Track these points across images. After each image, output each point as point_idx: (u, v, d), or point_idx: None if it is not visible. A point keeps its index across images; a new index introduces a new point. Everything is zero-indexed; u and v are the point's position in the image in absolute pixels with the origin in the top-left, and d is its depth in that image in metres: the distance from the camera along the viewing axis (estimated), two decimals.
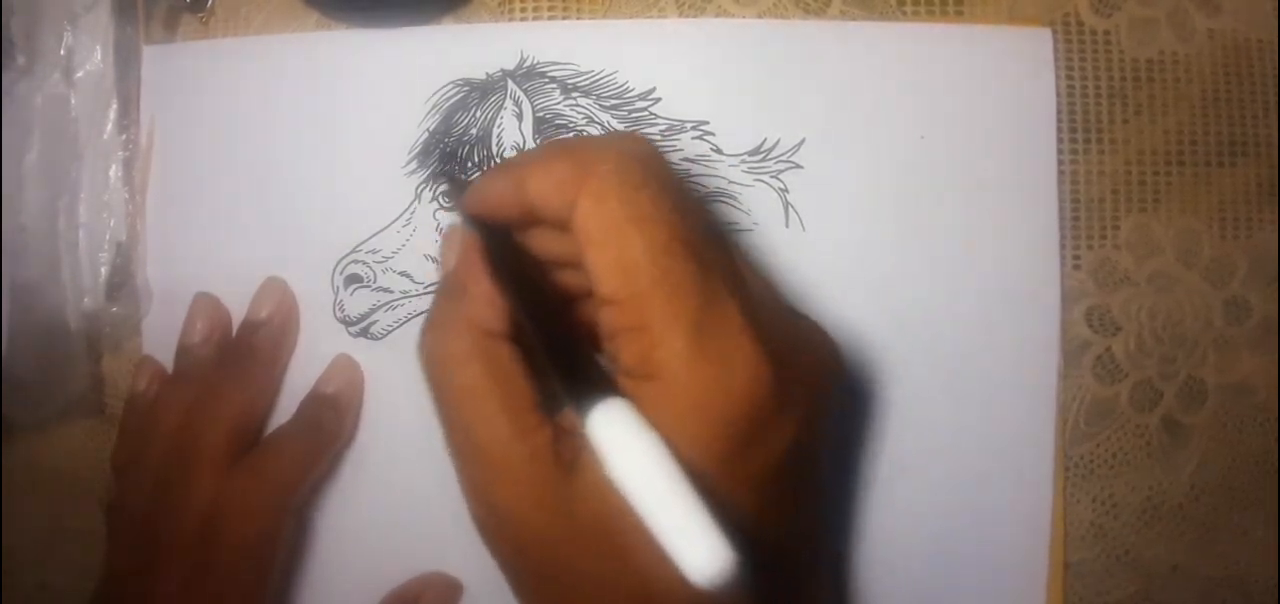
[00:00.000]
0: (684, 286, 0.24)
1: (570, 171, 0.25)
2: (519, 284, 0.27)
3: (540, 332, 0.26)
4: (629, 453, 0.22)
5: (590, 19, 0.38)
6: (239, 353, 0.36)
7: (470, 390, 0.26)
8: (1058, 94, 0.37)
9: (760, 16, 0.37)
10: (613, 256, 0.24)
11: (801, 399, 0.25)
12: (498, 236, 0.28)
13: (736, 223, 0.37)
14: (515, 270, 0.27)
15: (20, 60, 0.36)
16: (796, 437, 0.25)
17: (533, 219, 0.27)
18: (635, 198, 0.24)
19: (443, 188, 0.34)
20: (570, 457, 0.25)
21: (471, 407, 0.26)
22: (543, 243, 0.28)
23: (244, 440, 0.35)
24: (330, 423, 0.36)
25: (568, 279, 0.29)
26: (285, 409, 0.37)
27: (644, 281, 0.24)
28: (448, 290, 0.28)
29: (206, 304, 0.37)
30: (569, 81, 0.37)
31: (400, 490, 0.37)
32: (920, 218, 0.37)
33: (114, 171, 0.38)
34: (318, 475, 0.36)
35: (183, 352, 0.37)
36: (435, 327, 0.28)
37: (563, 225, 0.26)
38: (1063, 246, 0.37)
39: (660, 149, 0.26)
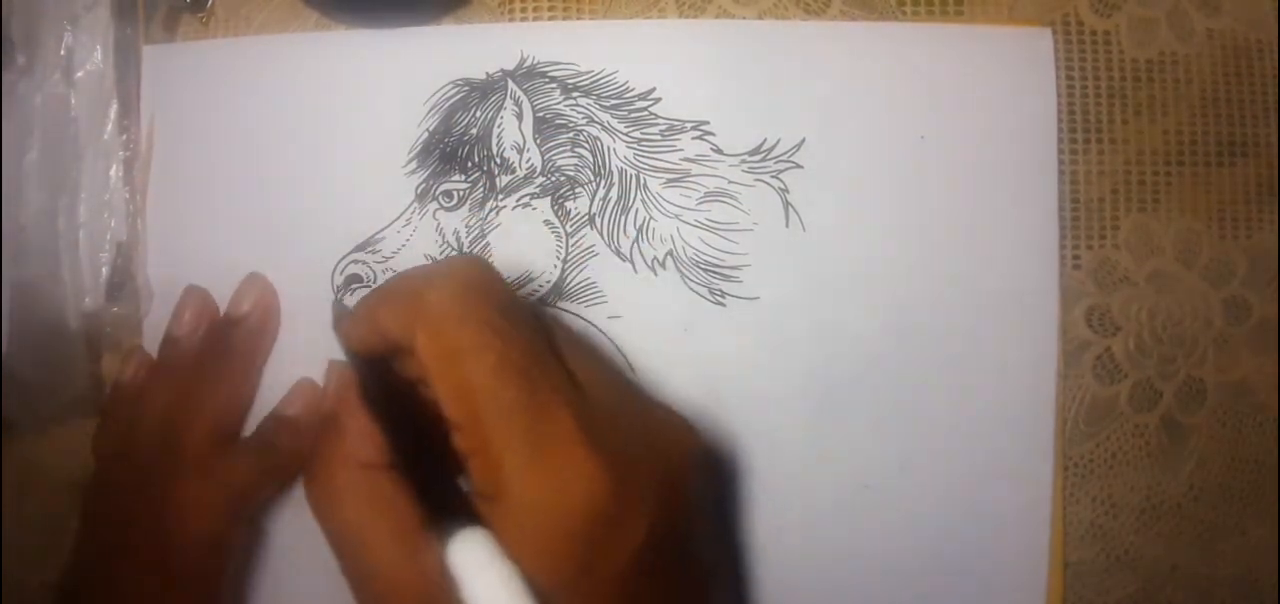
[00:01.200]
0: (515, 406, 0.25)
1: (407, 306, 0.27)
2: (396, 411, 0.28)
3: (407, 461, 0.28)
4: (483, 580, 0.24)
5: (590, 19, 0.38)
6: (218, 349, 0.36)
7: (357, 524, 0.27)
8: (1058, 94, 0.37)
9: (760, 16, 0.37)
10: (450, 385, 0.26)
11: (649, 495, 0.26)
12: (376, 366, 0.29)
13: (736, 223, 0.37)
14: (393, 398, 0.29)
15: (20, 60, 0.36)
16: (648, 535, 0.26)
17: (396, 350, 0.28)
18: (461, 331, 0.26)
19: (333, 318, 0.36)
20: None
21: (360, 540, 0.27)
22: (410, 369, 0.29)
23: (225, 437, 0.35)
24: (285, 445, 0.36)
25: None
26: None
27: (479, 406, 0.25)
28: (325, 429, 0.30)
29: (195, 295, 0.37)
30: (569, 81, 0.37)
31: None
32: (920, 218, 0.37)
33: (114, 171, 0.38)
34: (273, 491, 0.36)
35: (169, 342, 0.37)
36: (318, 467, 0.29)
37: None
38: (1063, 246, 0.37)
39: (490, 270, 0.28)
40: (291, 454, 0.36)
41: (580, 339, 0.31)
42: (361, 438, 0.28)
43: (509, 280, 0.29)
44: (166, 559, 0.33)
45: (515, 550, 0.25)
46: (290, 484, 0.36)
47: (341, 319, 0.33)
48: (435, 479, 0.27)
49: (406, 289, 0.28)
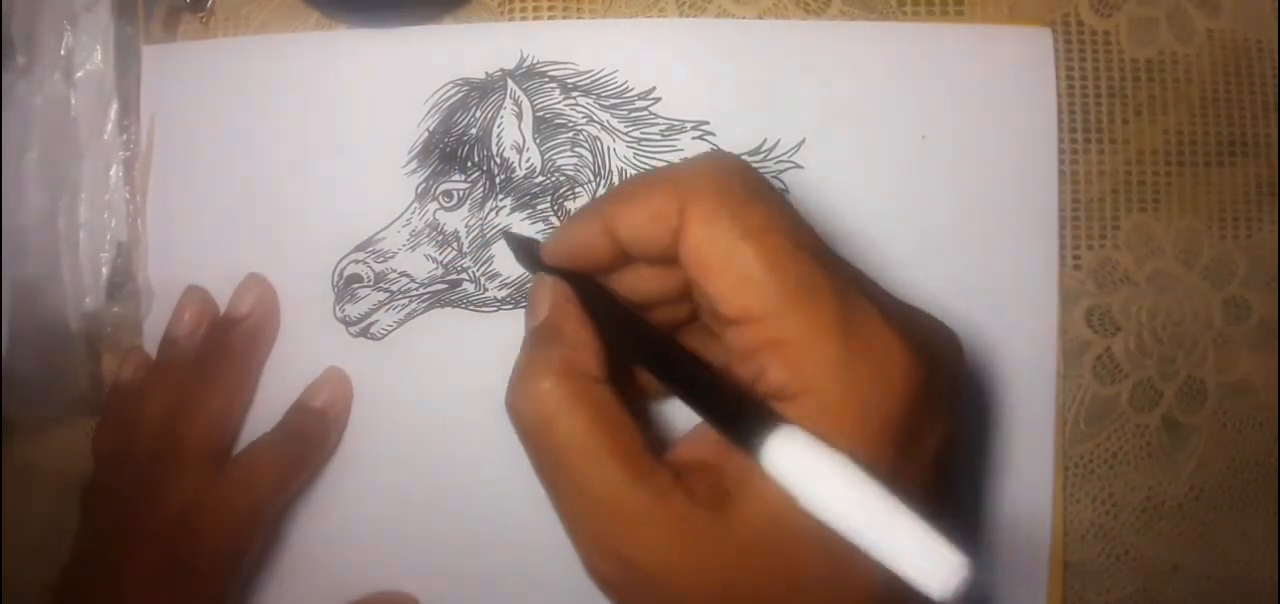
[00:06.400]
0: (820, 291, 0.23)
1: (668, 202, 0.24)
2: (617, 325, 0.26)
3: (660, 368, 0.25)
4: (823, 480, 0.21)
5: (590, 19, 0.38)
6: (216, 350, 0.36)
7: (578, 441, 0.24)
8: (1058, 94, 0.37)
9: (760, 16, 0.37)
10: (734, 277, 0.23)
11: (946, 393, 0.24)
12: (581, 283, 0.27)
13: None
14: (609, 314, 0.26)
15: (20, 60, 0.36)
16: (946, 433, 0.24)
17: (623, 260, 0.26)
18: (745, 213, 0.23)
19: (512, 247, 0.33)
20: (708, 492, 0.23)
21: (582, 458, 0.24)
22: (635, 282, 0.27)
23: (223, 439, 0.35)
24: (315, 436, 0.36)
25: (661, 316, 0.28)
26: (279, 410, 0.36)
27: (775, 295, 0.23)
28: (539, 339, 0.26)
29: (196, 295, 0.37)
30: (569, 81, 0.37)
31: (385, 497, 0.37)
32: (920, 218, 0.37)
33: (114, 171, 0.38)
34: (297, 487, 0.36)
35: (168, 342, 0.37)
36: (528, 378, 0.25)
37: (663, 259, 0.25)
38: (1063, 246, 0.37)
39: (750, 163, 0.25)
40: (317, 448, 0.36)
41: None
42: (585, 347, 0.25)
43: None
44: (183, 562, 0.33)
45: (837, 444, 0.21)
46: (315, 479, 0.36)
47: (529, 246, 0.30)
48: (694, 392, 0.24)
49: (661, 185, 0.24)
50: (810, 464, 0.21)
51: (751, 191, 0.24)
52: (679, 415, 0.34)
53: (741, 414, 0.23)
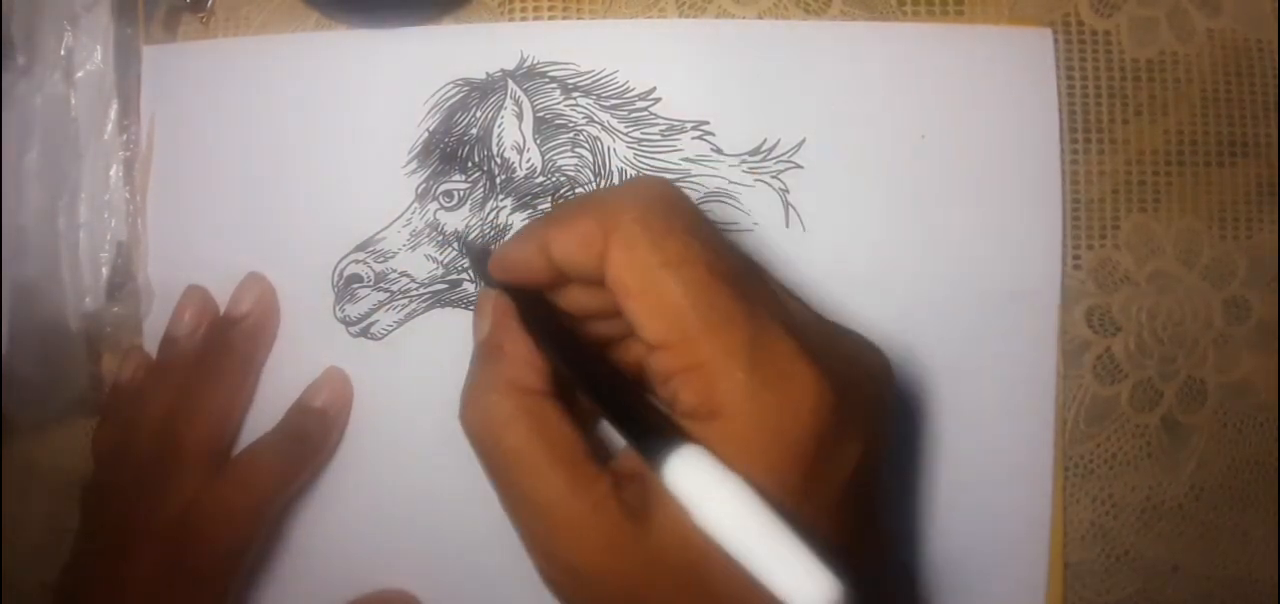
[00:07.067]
0: (732, 319, 0.24)
1: (593, 227, 0.25)
2: (554, 340, 0.27)
3: (587, 384, 0.26)
4: (714, 499, 0.22)
5: (590, 19, 0.38)
6: (217, 350, 0.36)
7: (520, 452, 0.26)
8: (1058, 94, 0.37)
9: (760, 16, 0.37)
10: (653, 303, 0.24)
11: (863, 416, 0.25)
12: (528, 297, 0.28)
13: (736, 223, 0.37)
14: (549, 328, 0.27)
15: (20, 60, 0.36)
16: (862, 457, 0.25)
17: (561, 279, 0.27)
18: (664, 243, 0.24)
19: (466, 259, 0.34)
20: (636, 502, 0.24)
21: (524, 468, 0.25)
22: (573, 299, 0.28)
23: (223, 439, 0.35)
24: (315, 435, 0.36)
25: (601, 329, 0.29)
26: (279, 410, 0.36)
27: (690, 322, 0.24)
28: (484, 355, 0.28)
29: (196, 295, 0.37)
30: (569, 81, 0.37)
31: (385, 497, 0.37)
32: (920, 218, 0.37)
33: (114, 171, 0.38)
34: (297, 487, 0.36)
35: (168, 341, 0.37)
36: (475, 393, 0.27)
37: (593, 281, 0.26)
38: (1063, 246, 0.37)
39: (678, 188, 0.26)
40: (318, 447, 0.36)
41: (761, 263, 0.29)
42: (524, 363, 0.27)
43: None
44: (184, 561, 0.33)
45: (737, 469, 0.23)
46: (315, 479, 0.36)
47: (482, 257, 0.31)
48: (614, 407, 0.25)
49: (589, 210, 0.26)
50: (705, 483, 0.22)
51: (672, 220, 0.25)
52: None
53: (652, 431, 0.24)
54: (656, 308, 0.24)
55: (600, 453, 0.26)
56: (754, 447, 0.23)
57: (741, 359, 0.23)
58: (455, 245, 0.35)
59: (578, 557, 0.25)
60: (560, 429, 0.26)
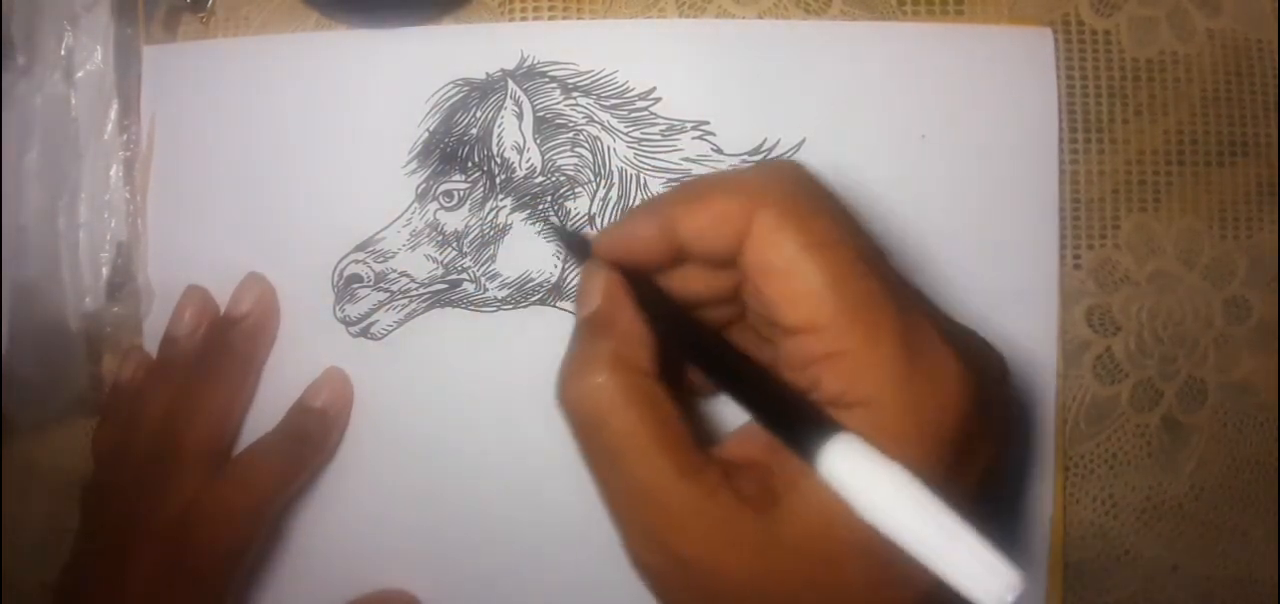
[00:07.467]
0: (881, 306, 0.23)
1: (736, 206, 0.24)
2: (669, 321, 0.26)
3: (713, 367, 0.25)
4: (880, 488, 0.21)
5: (590, 19, 0.38)
6: (217, 350, 0.36)
7: (630, 435, 0.24)
8: (1058, 94, 0.37)
9: (760, 16, 0.37)
10: (797, 286, 0.23)
11: (996, 413, 0.25)
12: (634, 278, 0.27)
13: None
14: (660, 310, 0.26)
15: (20, 60, 0.36)
16: (995, 452, 0.24)
17: (680, 259, 0.26)
18: (811, 224, 0.24)
19: (558, 238, 0.33)
20: (753, 491, 0.24)
21: (632, 453, 0.24)
22: (686, 281, 0.27)
23: (223, 439, 0.35)
24: (316, 436, 0.36)
25: (710, 316, 0.28)
26: (279, 410, 0.37)
27: (836, 307, 0.23)
28: (590, 330, 0.26)
29: (196, 295, 0.37)
30: (569, 81, 0.37)
31: (385, 497, 0.37)
32: (920, 217, 0.37)
33: (114, 171, 0.38)
34: (297, 488, 0.36)
35: (169, 341, 0.37)
36: (580, 369, 0.25)
37: (722, 261, 0.25)
38: (1063, 246, 0.37)
39: (816, 171, 0.25)
40: (318, 448, 0.36)
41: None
42: (636, 341, 0.25)
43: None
44: (184, 562, 0.33)
45: (891, 455, 0.22)
46: (315, 479, 0.37)
47: (578, 241, 0.30)
48: (751, 394, 0.24)
49: (730, 187, 0.25)
50: (868, 472, 0.22)
51: (818, 202, 0.24)
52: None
53: (797, 419, 0.23)
54: (801, 291, 0.23)
55: (705, 442, 0.25)
56: (903, 434, 0.22)
57: (891, 346, 0.23)
58: (548, 232, 0.33)
59: (689, 546, 0.24)
60: (670, 413, 0.25)
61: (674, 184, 0.37)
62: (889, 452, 0.22)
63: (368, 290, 0.37)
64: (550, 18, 0.38)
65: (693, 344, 0.26)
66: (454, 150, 0.37)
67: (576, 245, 0.31)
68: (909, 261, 0.37)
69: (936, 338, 0.23)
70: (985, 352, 0.27)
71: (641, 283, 0.27)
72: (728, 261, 0.25)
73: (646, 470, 0.24)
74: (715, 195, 0.25)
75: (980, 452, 0.24)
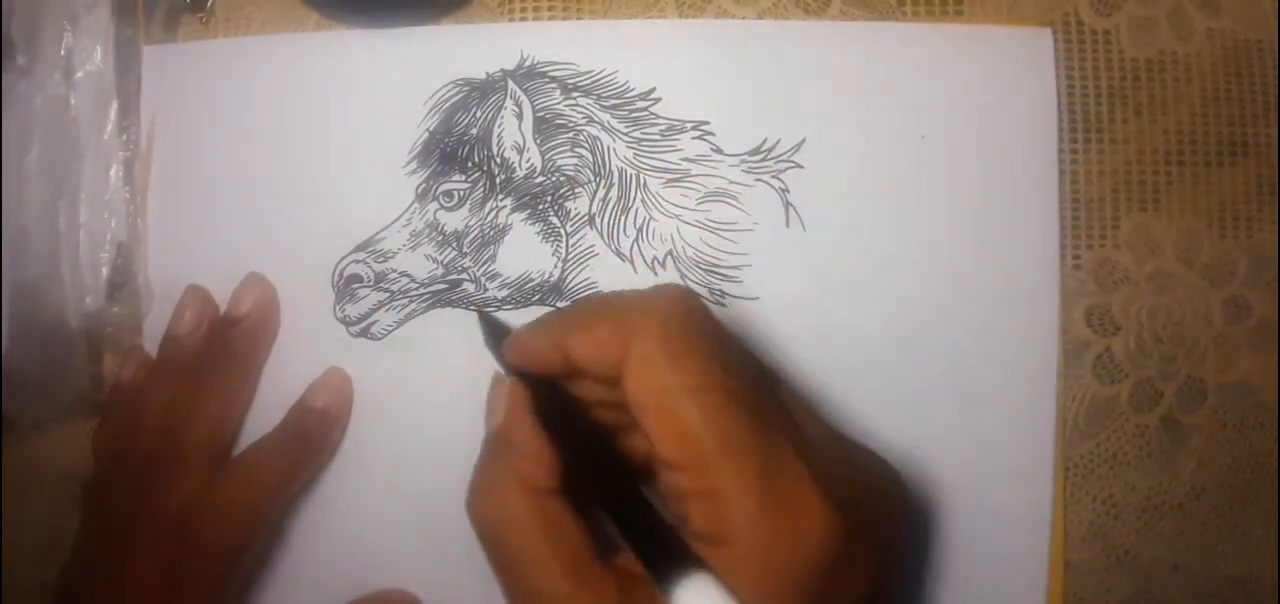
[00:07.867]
0: (747, 448, 0.24)
1: (612, 336, 0.25)
2: (567, 435, 0.27)
3: (598, 490, 0.26)
4: None
5: (590, 19, 0.38)
6: (217, 350, 0.36)
7: (529, 552, 0.26)
8: (1058, 94, 0.37)
9: (760, 16, 0.37)
10: (670, 425, 0.24)
11: (871, 547, 0.25)
12: (541, 382, 0.28)
13: (736, 223, 0.37)
14: (561, 418, 0.27)
15: (20, 60, 0.36)
16: (867, 590, 0.25)
17: (576, 374, 0.27)
18: (683, 364, 0.24)
19: (485, 330, 0.33)
20: (647, 603, 0.25)
21: (532, 568, 0.25)
22: (587, 390, 0.28)
23: (224, 439, 0.35)
24: (317, 435, 0.36)
25: (613, 417, 0.29)
26: (280, 410, 0.37)
27: (706, 447, 0.24)
28: (495, 447, 0.28)
29: (196, 295, 0.37)
30: (569, 81, 0.37)
31: (385, 497, 0.37)
32: (920, 218, 0.37)
33: (114, 171, 0.38)
34: (298, 487, 0.36)
35: (169, 341, 0.37)
36: (484, 488, 0.27)
37: (610, 383, 0.26)
38: (1063, 246, 0.37)
39: (701, 302, 0.26)
40: (319, 447, 0.36)
41: (781, 373, 0.29)
42: (535, 460, 0.26)
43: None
44: (185, 561, 0.33)
45: (744, 596, 0.23)
46: (316, 479, 0.37)
47: (498, 334, 0.31)
48: (628, 522, 0.26)
49: (611, 316, 0.26)
50: None
51: (692, 339, 0.25)
52: None
53: (662, 549, 0.24)
54: (673, 430, 0.24)
55: (604, 548, 0.26)
56: (762, 576, 0.23)
57: (753, 489, 0.24)
58: (479, 318, 0.34)
59: None
60: (568, 529, 0.26)
61: (673, 184, 0.37)
62: (749, 590, 0.23)
63: (368, 290, 0.37)
64: (550, 18, 0.38)
65: (579, 461, 0.27)
66: (454, 150, 0.37)
67: (497, 340, 0.31)
68: (909, 261, 0.37)
69: (801, 480, 0.24)
70: (874, 477, 0.28)
71: (546, 386, 0.28)
72: (614, 382, 0.26)
73: (545, 583, 0.25)
74: (599, 324, 0.26)
75: (852, 584, 0.25)
